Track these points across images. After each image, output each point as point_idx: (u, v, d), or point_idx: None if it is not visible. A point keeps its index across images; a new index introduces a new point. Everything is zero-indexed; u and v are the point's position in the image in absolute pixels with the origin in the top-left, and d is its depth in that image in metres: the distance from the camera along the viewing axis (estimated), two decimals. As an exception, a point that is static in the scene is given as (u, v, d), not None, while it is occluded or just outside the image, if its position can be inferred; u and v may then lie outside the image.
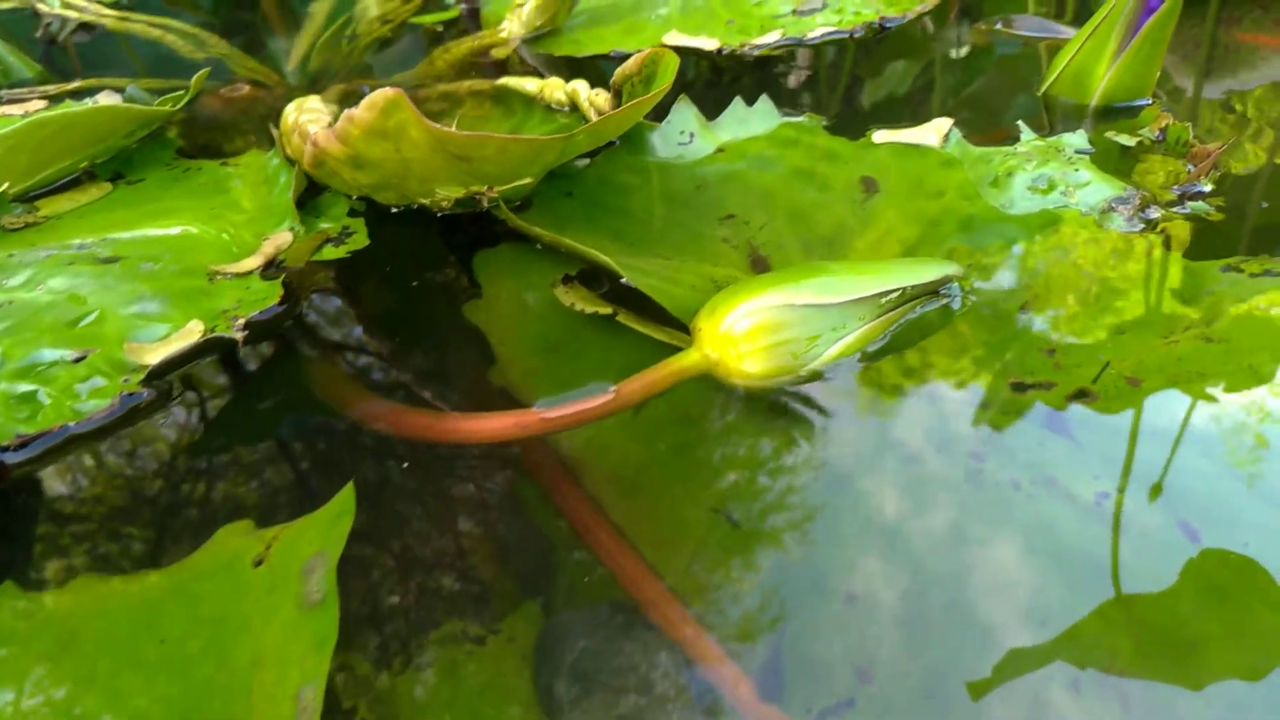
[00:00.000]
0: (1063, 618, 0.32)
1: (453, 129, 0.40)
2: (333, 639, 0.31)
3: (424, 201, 0.49)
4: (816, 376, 0.40)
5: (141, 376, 0.41)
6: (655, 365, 0.40)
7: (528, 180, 0.46)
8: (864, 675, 0.32)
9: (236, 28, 0.89)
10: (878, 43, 0.71)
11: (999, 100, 0.63)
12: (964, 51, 0.70)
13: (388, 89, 0.40)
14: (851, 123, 0.62)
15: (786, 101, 0.64)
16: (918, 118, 0.59)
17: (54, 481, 0.39)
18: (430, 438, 0.39)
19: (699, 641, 0.33)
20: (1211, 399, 0.39)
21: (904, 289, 0.40)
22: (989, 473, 0.38)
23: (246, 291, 0.46)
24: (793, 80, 0.68)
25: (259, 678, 0.31)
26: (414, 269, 0.50)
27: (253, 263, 0.48)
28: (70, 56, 0.85)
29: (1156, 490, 0.36)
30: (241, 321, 0.44)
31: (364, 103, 0.41)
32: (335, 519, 0.36)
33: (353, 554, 0.36)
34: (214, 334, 0.43)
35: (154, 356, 0.42)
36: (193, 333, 0.43)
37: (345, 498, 0.36)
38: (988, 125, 0.59)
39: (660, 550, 0.37)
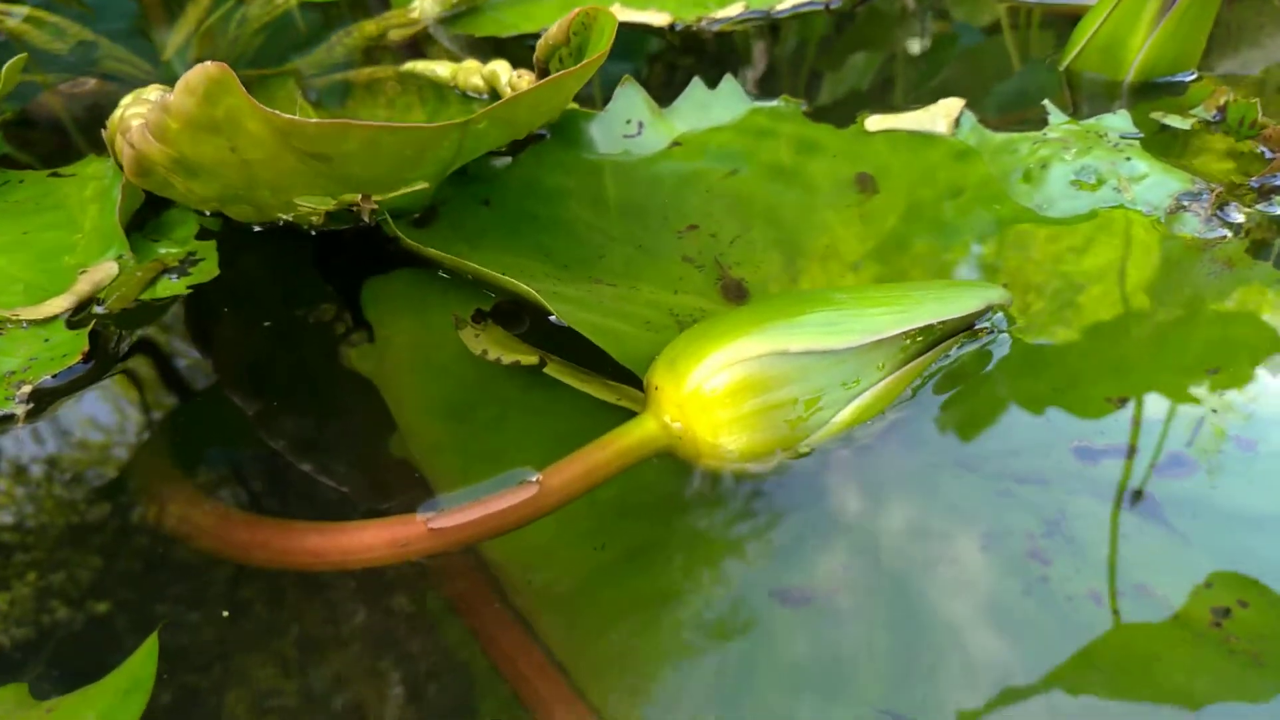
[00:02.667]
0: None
1: (304, 118, 0.28)
2: None
3: (287, 217, 0.37)
4: (812, 453, 0.29)
5: None
6: (594, 443, 0.28)
7: (421, 185, 0.35)
8: None
9: (116, 15, 0.76)
10: (851, 18, 0.60)
11: (1004, 79, 0.52)
12: (951, 26, 0.60)
13: (209, 64, 0.28)
14: (833, 108, 0.51)
15: (754, 86, 0.53)
16: (910, 101, 0.49)
17: None
18: (271, 560, 0.28)
19: None
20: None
21: (935, 325, 0.29)
22: (1056, 582, 0.27)
23: (44, 345, 0.34)
24: (760, 61, 0.56)
25: None
26: (284, 304, 0.39)
27: (59, 304, 0.36)
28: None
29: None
30: (28, 389, 0.32)
31: (179, 85, 0.29)
32: (124, 696, 0.24)
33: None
34: (-16, 409, 0.31)
35: (-110, 446, 0.30)
36: (-48, 409, 0.31)
37: (141, 663, 0.24)
38: (998, 107, 0.48)
39: (614, 697, 0.26)
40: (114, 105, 0.43)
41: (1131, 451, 0.29)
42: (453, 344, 0.36)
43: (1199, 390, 0.31)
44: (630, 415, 0.30)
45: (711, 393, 0.27)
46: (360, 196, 0.33)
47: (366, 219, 0.36)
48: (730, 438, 0.27)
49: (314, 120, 0.28)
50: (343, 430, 0.35)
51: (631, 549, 0.29)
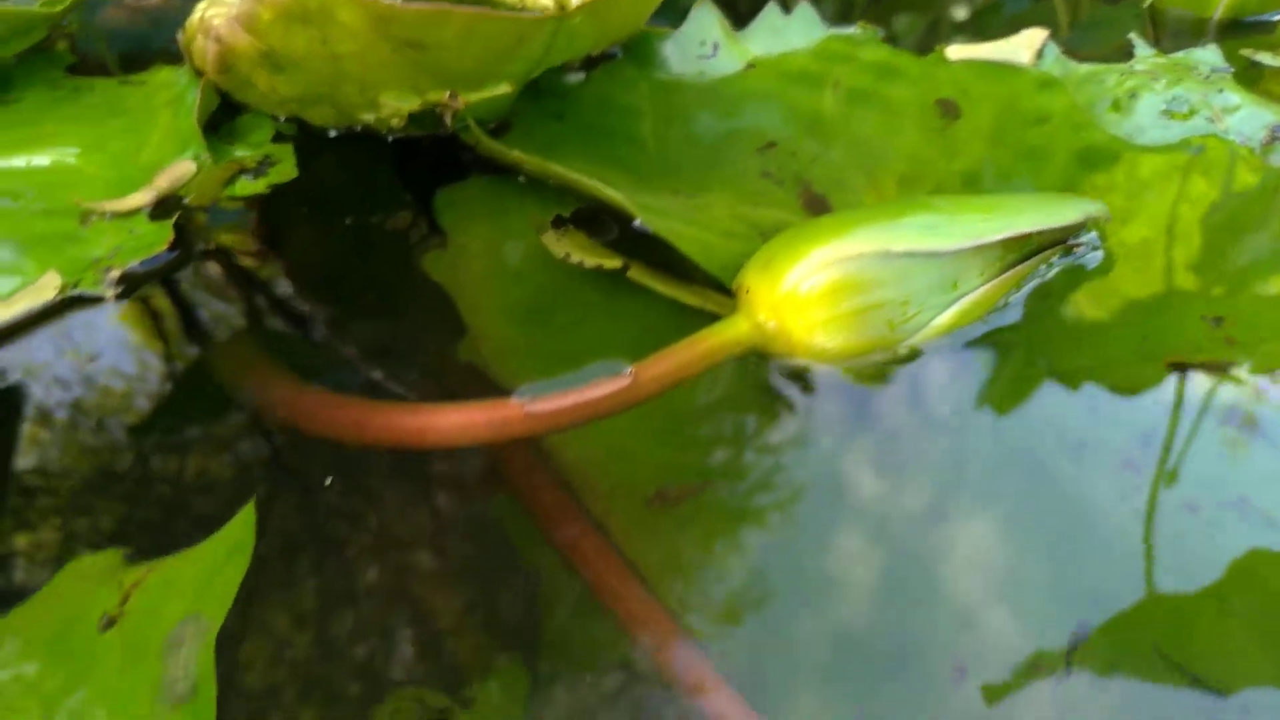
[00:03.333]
0: None
1: (402, 3, 0.28)
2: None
3: (369, 120, 0.37)
4: (916, 355, 0.28)
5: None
6: (686, 340, 0.28)
7: (504, 89, 0.35)
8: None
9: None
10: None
11: (1083, 13, 0.51)
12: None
13: (309, -54, 0.28)
14: (910, 38, 0.50)
15: (829, 15, 0.53)
16: (986, 33, 0.48)
17: None
18: (366, 439, 0.28)
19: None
20: None
21: (1033, 234, 0.29)
22: (1150, 490, 0.26)
23: (129, 236, 0.34)
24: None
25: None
26: (358, 210, 0.39)
27: (141, 199, 0.36)
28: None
29: None
30: (116, 274, 0.32)
31: (276, -31, 0.29)
32: (225, 559, 0.24)
33: (247, 609, 0.25)
34: (75, 290, 0.32)
35: (-15, 321, 0.30)
36: (45, 289, 0.31)
37: (239, 527, 0.25)
38: (1079, 42, 0.48)
39: (684, 597, 0.26)
40: (179, 19, 0.43)
41: (1229, 368, 0.29)
42: (530, 249, 0.36)
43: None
44: (710, 321, 0.30)
45: (809, 292, 0.27)
46: (447, 95, 0.33)
47: (448, 121, 0.36)
48: (827, 337, 0.27)
49: (413, 6, 0.28)
50: (412, 334, 0.35)
51: (706, 449, 0.29)
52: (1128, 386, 0.29)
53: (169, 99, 0.44)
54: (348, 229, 0.38)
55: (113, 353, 0.33)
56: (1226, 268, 0.32)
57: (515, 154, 0.35)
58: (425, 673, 0.25)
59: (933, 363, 0.29)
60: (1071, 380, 0.29)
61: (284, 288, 0.37)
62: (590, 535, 0.28)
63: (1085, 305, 0.31)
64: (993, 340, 0.29)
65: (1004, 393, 0.28)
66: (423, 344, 0.35)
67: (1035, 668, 0.23)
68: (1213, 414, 0.28)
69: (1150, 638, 0.24)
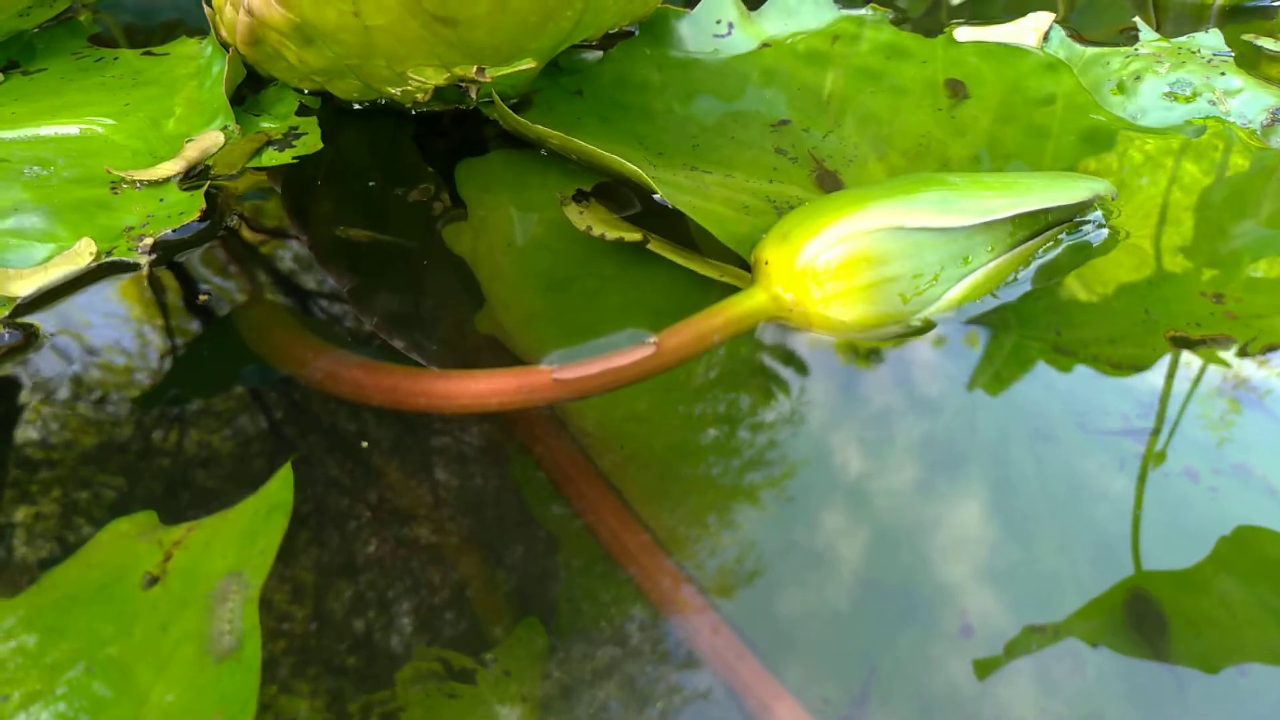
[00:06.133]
0: None
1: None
2: (251, 706, 0.21)
3: (394, 93, 0.38)
4: (928, 327, 0.30)
5: (8, 311, 0.30)
6: (705, 311, 0.29)
7: (529, 64, 0.35)
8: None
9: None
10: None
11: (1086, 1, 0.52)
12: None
13: (344, -79, 0.29)
14: (918, 20, 0.51)
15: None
16: (986, 17, 0.49)
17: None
18: (399, 403, 0.29)
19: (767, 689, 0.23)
20: None
21: (1043, 211, 0.30)
22: (1150, 458, 0.28)
23: (159, 204, 0.35)
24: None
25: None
26: (380, 182, 0.39)
27: (171, 168, 0.37)
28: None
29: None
30: (149, 242, 0.33)
31: (311, -57, 0.30)
32: (264, 517, 0.25)
33: (282, 568, 0.26)
34: (110, 257, 0.32)
35: (26, 286, 0.31)
36: (81, 255, 0.32)
37: (278, 487, 0.26)
38: (1082, 25, 0.48)
39: (715, 574, 0.27)
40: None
41: (1228, 343, 0.30)
42: (551, 222, 0.37)
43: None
44: (729, 292, 0.31)
45: (825, 265, 0.28)
46: (474, 70, 0.34)
47: (473, 96, 0.36)
48: (843, 309, 0.28)
49: (446, -18, 0.29)
50: (432, 306, 0.36)
51: (728, 423, 0.30)
52: (1131, 359, 0.30)
53: (193, 71, 0.45)
54: (370, 201, 0.39)
55: (140, 320, 0.34)
56: (1223, 248, 0.33)
57: (539, 129, 0.36)
58: (447, 634, 0.27)
59: (941, 335, 0.30)
60: (1076, 353, 0.30)
61: (306, 259, 0.38)
62: (607, 499, 0.29)
63: (1090, 281, 0.32)
64: (1001, 314, 0.31)
65: (1010, 364, 0.30)
66: (442, 315, 0.36)
67: (1034, 631, 0.25)
68: (1212, 386, 0.29)
69: (1146, 602, 0.25)
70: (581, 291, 0.35)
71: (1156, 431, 0.28)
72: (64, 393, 0.30)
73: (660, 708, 0.24)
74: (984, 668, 0.23)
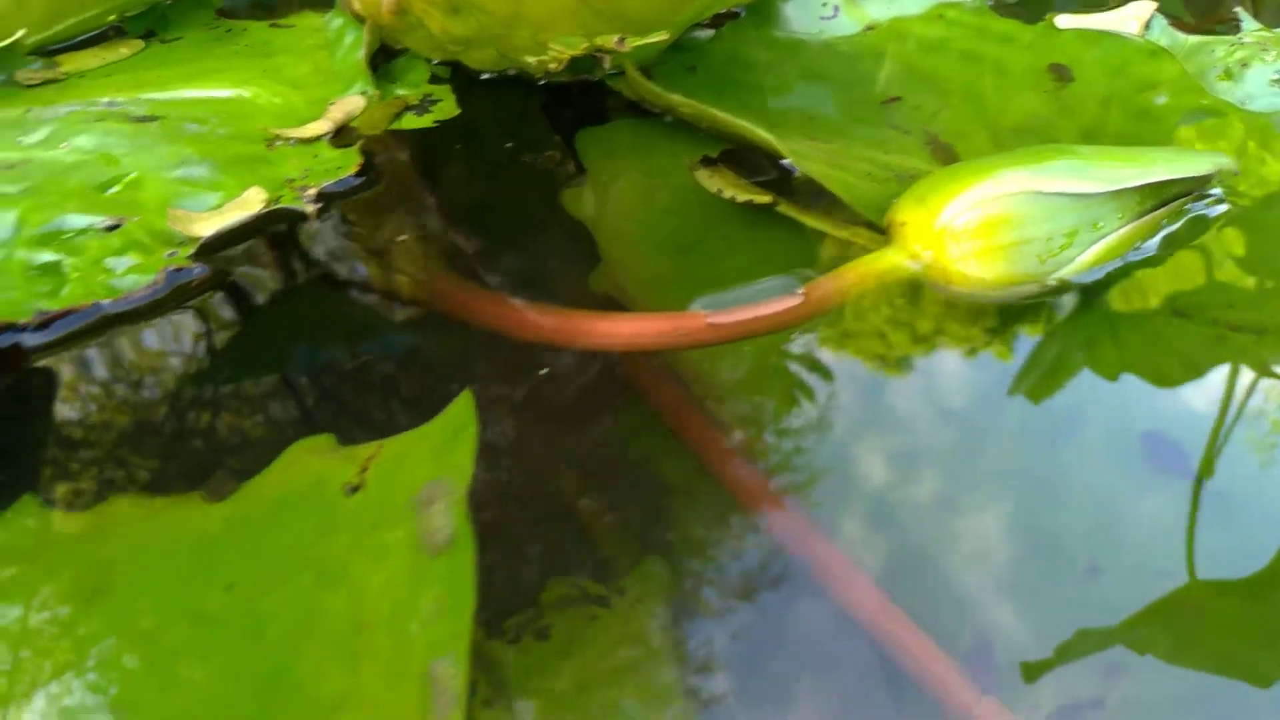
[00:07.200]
0: None
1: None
2: (470, 595, 0.23)
3: (530, 62, 0.40)
4: (1065, 288, 0.31)
5: (191, 250, 0.32)
6: (845, 266, 0.31)
7: (663, 36, 0.37)
8: None
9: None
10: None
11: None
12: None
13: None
14: (1018, 8, 0.52)
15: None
16: (1087, 6, 0.50)
17: (80, 374, 0.31)
18: (561, 341, 0.31)
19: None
20: None
21: (1169, 182, 0.31)
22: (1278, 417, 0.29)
23: (314, 160, 0.38)
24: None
25: (366, 644, 0.23)
26: (508, 148, 0.42)
27: (320, 128, 0.39)
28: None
29: None
30: (313, 192, 0.35)
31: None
32: (452, 436, 0.27)
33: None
34: (278, 205, 0.35)
35: (205, 228, 0.33)
36: (252, 202, 0.34)
37: (461, 410, 0.28)
38: (1179, 15, 0.50)
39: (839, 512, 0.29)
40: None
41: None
42: (675, 186, 0.39)
43: None
44: (847, 255, 0.33)
45: (965, 226, 0.30)
46: (614, 40, 0.36)
47: (605, 66, 0.38)
48: (981, 267, 0.30)
49: (610, -47, 0.31)
50: (550, 265, 0.38)
51: (841, 365, 0.32)
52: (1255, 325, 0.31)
53: (320, 42, 0.47)
54: (496, 166, 0.41)
55: (301, 268, 0.36)
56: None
57: (673, 97, 0.38)
58: (579, 566, 0.29)
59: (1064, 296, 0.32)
60: (1192, 315, 0.32)
61: (437, 219, 0.40)
62: (723, 440, 0.31)
63: (1218, 248, 0.33)
64: (1127, 278, 0.32)
65: (1136, 322, 0.31)
66: (561, 275, 0.38)
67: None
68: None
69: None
70: (709, 253, 0.37)
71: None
72: (250, 325, 0.33)
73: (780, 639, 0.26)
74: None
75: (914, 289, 0.32)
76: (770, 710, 0.24)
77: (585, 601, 0.28)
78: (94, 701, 0.23)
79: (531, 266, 0.38)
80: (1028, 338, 0.31)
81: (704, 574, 0.28)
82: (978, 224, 0.30)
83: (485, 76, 0.43)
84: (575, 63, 0.39)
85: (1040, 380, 0.30)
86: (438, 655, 0.22)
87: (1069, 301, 0.32)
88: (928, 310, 0.33)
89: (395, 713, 0.21)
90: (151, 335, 0.32)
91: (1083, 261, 0.30)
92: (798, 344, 0.32)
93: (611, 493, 0.30)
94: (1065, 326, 0.31)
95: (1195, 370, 0.30)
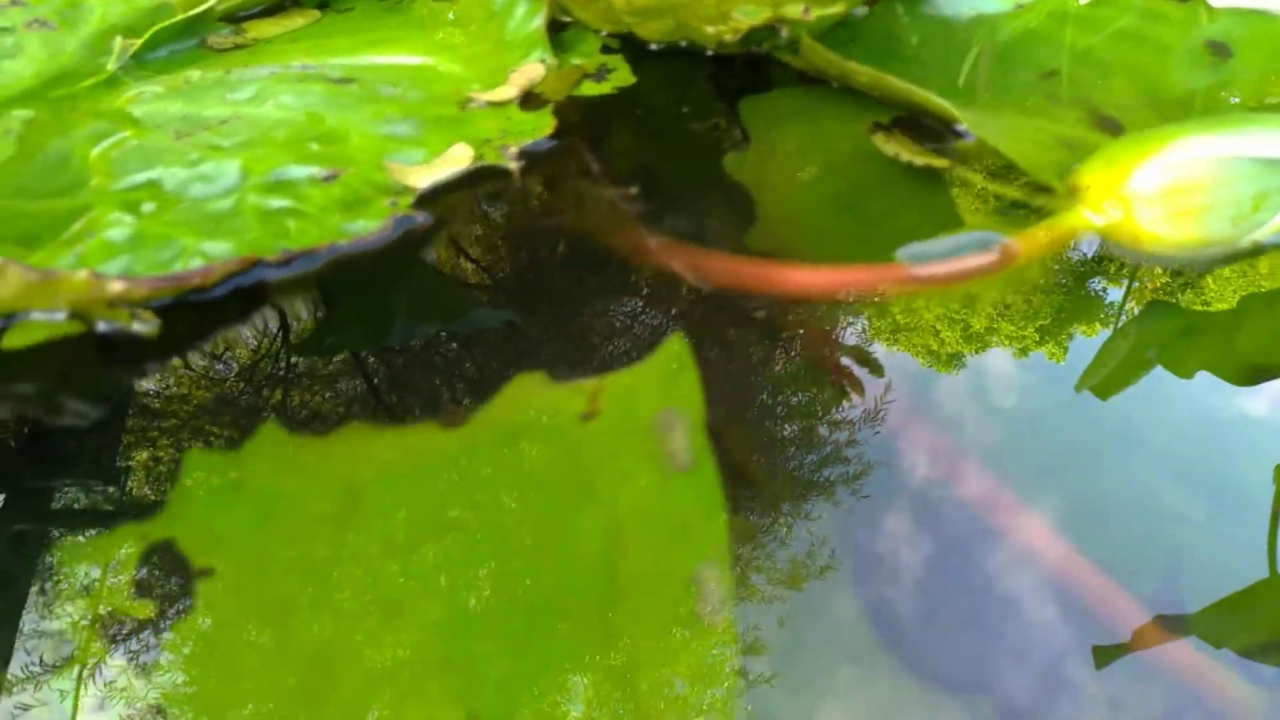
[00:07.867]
0: None
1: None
2: (721, 509, 0.25)
3: (708, 32, 0.42)
4: (1257, 250, 0.32)
5: (411, 199, 0.35)
6: (1034, 227, 0.33)
7: (840, 8, 0.39)
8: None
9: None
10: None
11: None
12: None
13: None
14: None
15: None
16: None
17: (309, 313, 0.34)
18: (762, 290, 0.33)
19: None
20: None
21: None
22: None
23: (508, 121, 0.40)
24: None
25: (621, 554, 0.25)
26: (675, 116, 0.44)
27: (507, 92, 0.41)
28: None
29: None
30: (514, 150, 0.38)
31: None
32: (674, 373, 0.29)
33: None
34: (483, 162, 0.37)
35: (421, 179, 0.35)
36: (461, 158, 0.37)
37: (674, 347, 0.30)
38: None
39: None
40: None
41: None
42: (841, 151, 0.40)
43: None
44: (1018, 217, 0.34)
45: (1156, 189, 0.31)
46: (800, 9, 0.38)
47: (784, 36, 0.40)
48: (1172, 229, 0.31)
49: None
50: (710, 225, 0.40)
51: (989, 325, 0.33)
52: None
53: (489, 14, 0.49)
54: (664, 132, 0.43)
55: (510, 220, 0.38)
56: None
57: (850, 64, 0.39)
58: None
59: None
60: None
61: (607, 182, 0.42)
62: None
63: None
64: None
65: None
66: (721, 234, 0.39)
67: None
68: None
69: None
70: (871, 213, 0.38)
71: None
72: (468, 269, 0.35)
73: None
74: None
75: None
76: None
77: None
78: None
79: (693, 225, 0.40)
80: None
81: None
82: (1169, 187, 0.31)
83: (654, 47, 0.45)
84: (751, 33, 0.41)
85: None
86: (701, 560, 0.24)
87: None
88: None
89: (661, 611, 0.24)
90: (372, 277, 0.35)
91: (1275, 224, 0.31)
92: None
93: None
94: None
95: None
